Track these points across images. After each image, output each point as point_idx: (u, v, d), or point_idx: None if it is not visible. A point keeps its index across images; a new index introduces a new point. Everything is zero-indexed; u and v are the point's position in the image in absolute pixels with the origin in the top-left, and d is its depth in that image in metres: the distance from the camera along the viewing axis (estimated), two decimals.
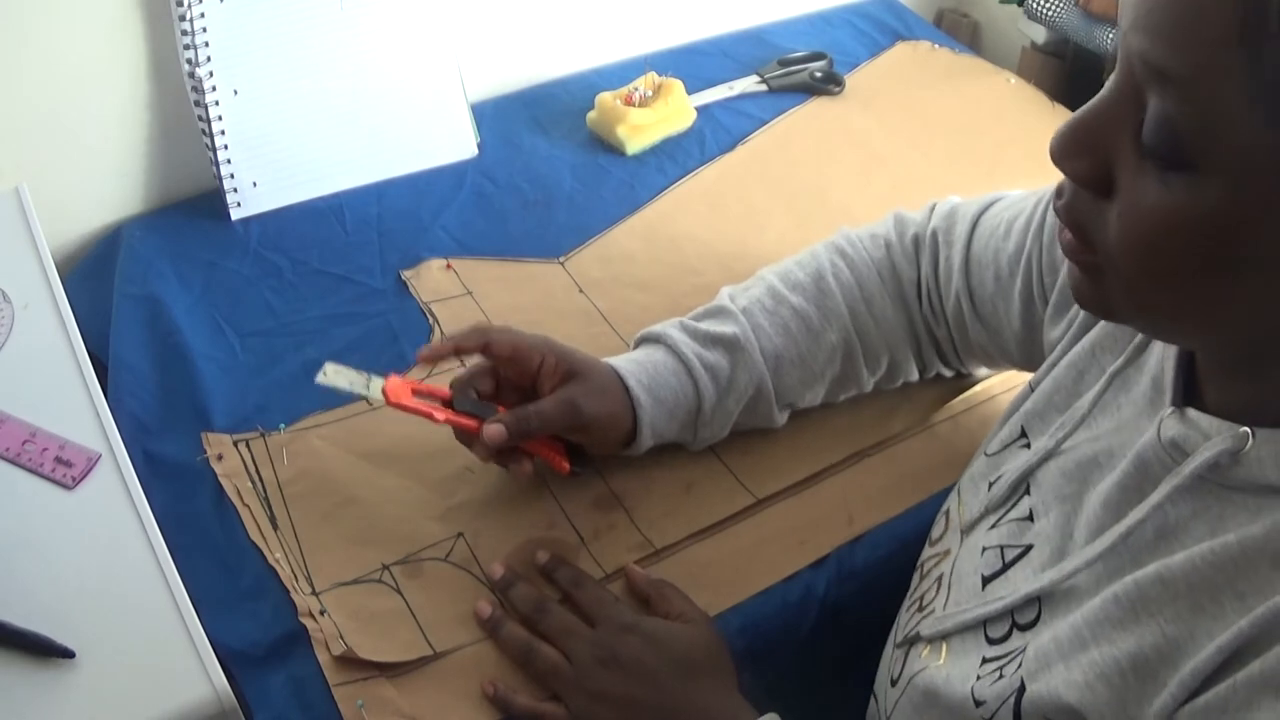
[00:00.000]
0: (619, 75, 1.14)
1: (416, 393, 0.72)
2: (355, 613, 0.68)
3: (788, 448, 0.80)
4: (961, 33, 1.37)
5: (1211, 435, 0.47)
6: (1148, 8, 0.40)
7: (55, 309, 0.75)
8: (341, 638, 0.66)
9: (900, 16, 1.31)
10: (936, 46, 1.26)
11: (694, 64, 1.18)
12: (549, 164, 1.06)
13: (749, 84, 1.17)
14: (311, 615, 0.68)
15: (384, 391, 0.70)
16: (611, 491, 0.77)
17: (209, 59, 0.91)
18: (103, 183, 0.96)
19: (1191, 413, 0.48)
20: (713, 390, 0.74)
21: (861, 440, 0.81)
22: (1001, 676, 0.52)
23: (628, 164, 1.06)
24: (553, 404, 0.70)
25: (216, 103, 0.92)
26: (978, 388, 0.85)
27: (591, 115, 1.09)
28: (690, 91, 1.11)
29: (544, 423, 0.70)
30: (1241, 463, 0.45)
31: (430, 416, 0.70)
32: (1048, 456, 0.58)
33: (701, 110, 1.12)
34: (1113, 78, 0.43)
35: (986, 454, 0.65)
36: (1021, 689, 0.50)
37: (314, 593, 0.69)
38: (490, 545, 0.73)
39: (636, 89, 1.08)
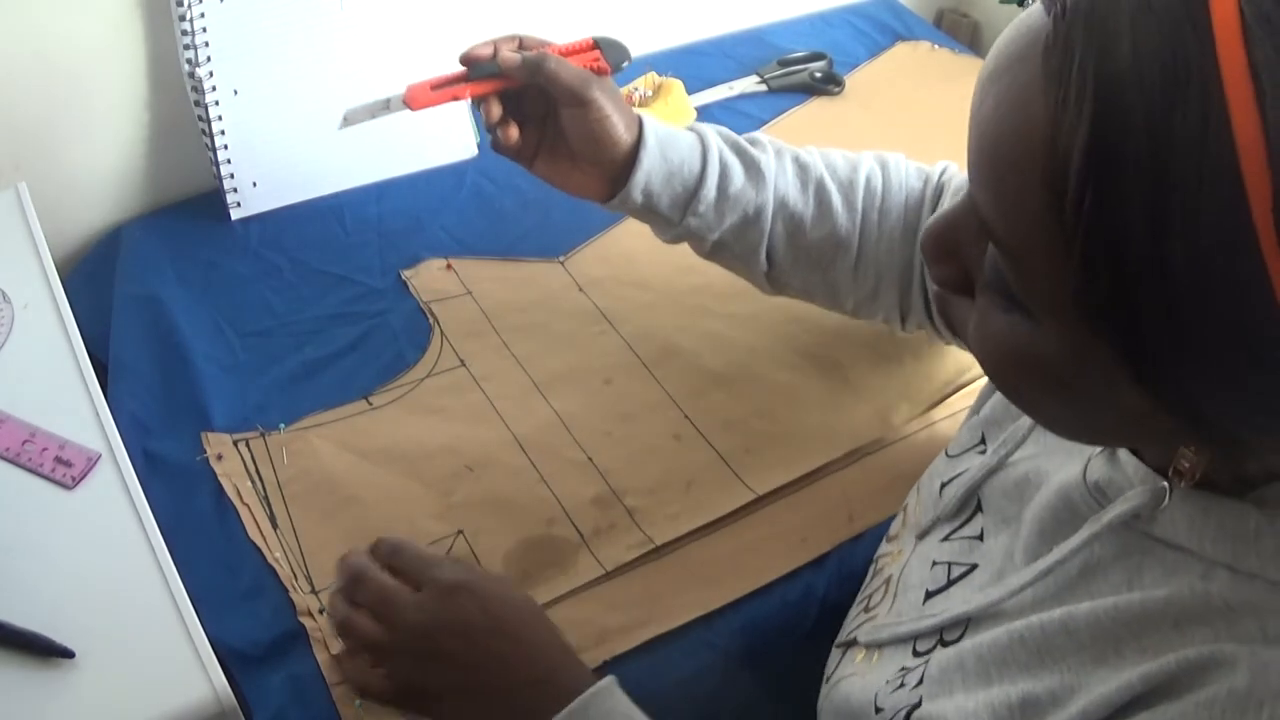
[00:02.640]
0: (619, 75, 1.14)
1: (434, 88, 0.77)
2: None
3: (788, 446, 0.80)
4: (961, 33, 1.37)
5: (1135, 484, 0.46)
6: (975, 147, 0.39)
7: (55, 309, 0.75)
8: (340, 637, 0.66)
9: (900, 17, 1.31)
10: (936, 46, 1.26)
11: (694, 64, 1.18)
12: None
13: (749, 84, 1.17)
14: (311, 614, 0.68)
15: (405, 101, 0.76)
16: (611, 489, 0.77)
17: (209, 59, 0.91)
18: (103, 183, 0.96)
19: (1121, 455, 0.47)
20: (716, 181, 0.75)
21: (861, 439, 0.81)
22: (903, 686, 0.52)
23: None
24: (571, 68, 0.75)
25: (216, 103, 0.92)
26: (977, 385, 0.85)
27: None
28: (690, 91, 1.11)
29: (557, 69, 0.75)
30: (1158, 519, 0.44)
31: (456, 97, 0.76)
32: (991, 472, 0.58)
33: (701, 110, 1.12)
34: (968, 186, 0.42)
35: (948, 455, 0.65)
36: (917, 704, 0.50)
37: (313, 591, 0.69)
38: (490, 543, 0.73)
39: (636, 89, 1.08)
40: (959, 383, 0.85)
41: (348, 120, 0.74)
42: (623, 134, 0.74)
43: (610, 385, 0.84)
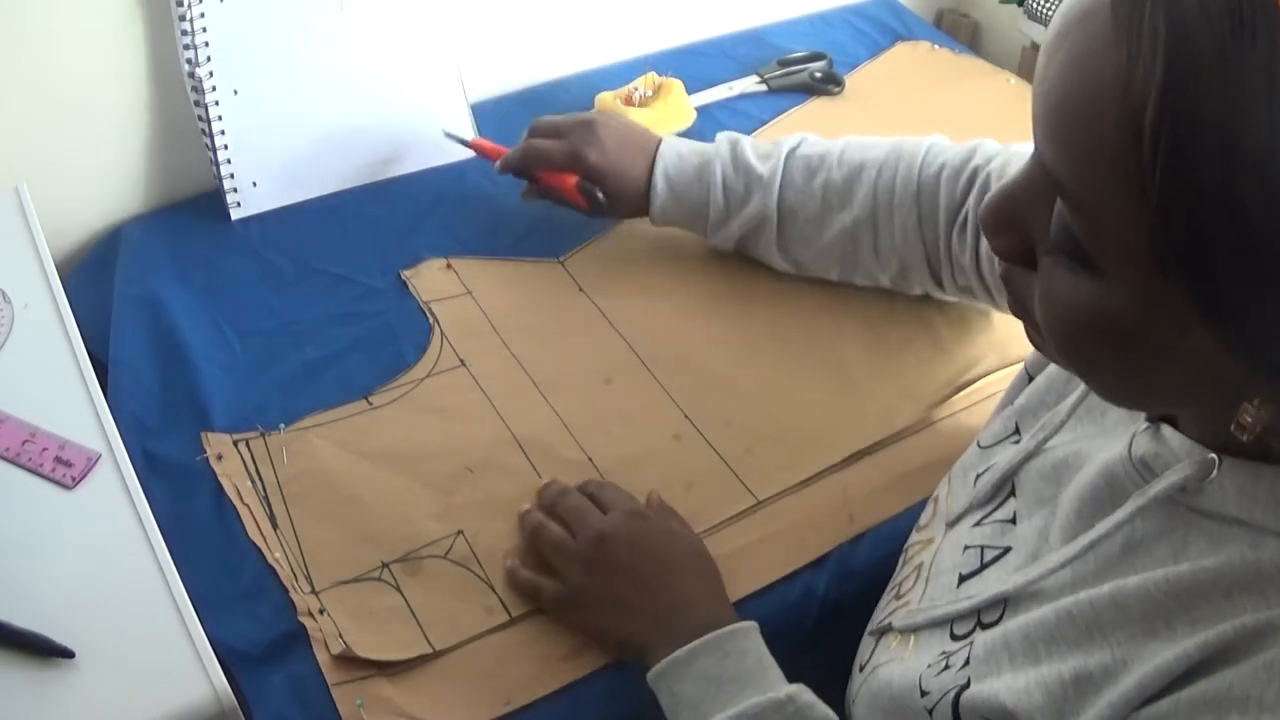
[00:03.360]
0: (619, 75, 1.14)
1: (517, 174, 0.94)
2: (355, 611, 0.68)
3: (789, 447, 0.80)
4: (961, 33, 1.37)
5: (1181, 457, 0.46)
6: (1043, 107, 0.40)
7: (55, 309, 0.75)
8: (341, 636, 0.66)
9: (900, 17, 1.31)
10: (936, 47, 1.26)
11: (694, 64, 1.18)
12: None
13: (749, 84, 1.17)
14: (311, 614, 0.68)
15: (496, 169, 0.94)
16: None
17: (209, 59, 0.91)
18: (103, 183, 0.96)
19: (1165, 431, 0.48)
20: (722, 208, 0.87)
21: (861, 439, 0.81)
22: (948, 668, 0.52)
23: None
24: (560, 146, 0.89)
25: (216, 103, 0.92)
26: (979, 384, 0.85)
27: None
28: (690, 91, 1.11)
29: (545, 156, 0.90)
30: (1205, 490, 0.45)
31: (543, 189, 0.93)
32: (1029, 457, 0.58)
33: (701, 110, 1.12)
34: (1031, 154, 0.43)
35: (980, 445, 0.65)
36: (965, 685, 0.50)
37: (313, 591, 0.69)
38: (490, 543, 0.73)
39: (636, 89, 1.08)
40: (960, 382, 0.85)
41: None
42: (635, 180, 0.89)
43: (610, 385, 0.84)
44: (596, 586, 0.67)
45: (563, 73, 1.17)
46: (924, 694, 0.52)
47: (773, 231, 0.86)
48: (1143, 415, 0.50)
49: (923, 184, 0.81)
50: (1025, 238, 0.44)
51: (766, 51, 1.21)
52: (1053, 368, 0.62)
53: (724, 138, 0.89)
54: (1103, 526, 0.48)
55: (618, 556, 0.67)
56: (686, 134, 1.09)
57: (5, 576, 0.61)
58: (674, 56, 1.20)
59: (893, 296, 0.89)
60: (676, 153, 0.88)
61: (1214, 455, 0.44)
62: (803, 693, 0.61)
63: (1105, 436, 0.54)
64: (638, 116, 1.06)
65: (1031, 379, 0.64)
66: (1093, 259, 0.40)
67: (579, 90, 1.13)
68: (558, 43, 1.15)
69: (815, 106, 1.16)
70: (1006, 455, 0.60)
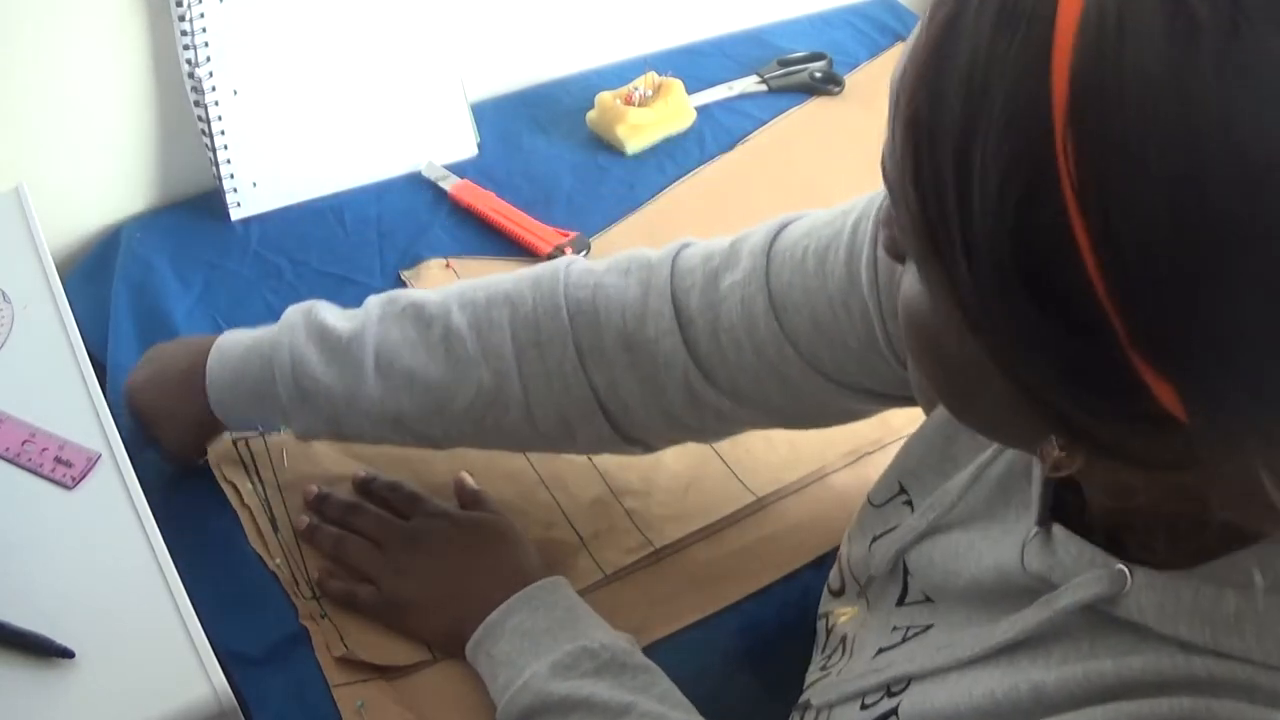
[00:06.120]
0: (619, 75, 1.14)
1: None
2: (355, 614, 0.68)
3: (788, 447, 0.80)
4: None
5: (1082, 569, 0.42)
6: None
7: (55, 309, 0.75)
8: (342, 640, 0.66)
9: (900, 17, 1.31)
10: None
11: (694, 64, 1.18)
12: (549, 164, 1.05)
13: (749, 84, 1.17)
14: (312, 618, 0.68)
15: None
16: (611, 491, 0.77)
17: (209, 59, 0.91)
18: (103, 183, 0.96)
19: (1059, 536, 0.43)
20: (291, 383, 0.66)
21: (861, 440, 0.81)
22: None
23: (627, 164, 1.06)
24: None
25: (216, 103, 0.92)
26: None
27: (591, 115, 1.09)
28: (690, 91, 1.11)
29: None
30: (1120, 603, 0.40)
31: None
32: (921, 536, 0.54)
33: (701, 110, 1.12)
34: None
35: (873, 504, 0.60)
36: None
37: (314, 597, 0.69)
38: None
39: (636, 89, 1.08)
40: None
41: None
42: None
43: None
44: (411, 589, 0.68)
45: (563, 73, 1.17)
46: None
47: (370, 399, 0.65)
48: (1033, 510, 0.45)
49: (627, 314, 0.63)
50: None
51: (766, 51, 1.21)
52: (928, 428, 0.57)
53: (292, 308, 0.69)
54: (1008, 628, 0.44)
55: (428, 557, 0.68)
56: (686, 134, 1.10)
57: (5, 576, 0.61)
58: (674, 56, 1.19)
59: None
60: (231, 337, 0.70)
61: (1122, 567, 0.40)
62: (619, 641, 0.62)
63: (999, 526, 0.49)
64: (637, 116, 1.06)
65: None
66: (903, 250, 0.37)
67: (579, 90, 1.13)
68: (558, 43, 1.15)
69: (815, 106, 1.16)
70: (901, 529, 0.56)
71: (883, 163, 0.36)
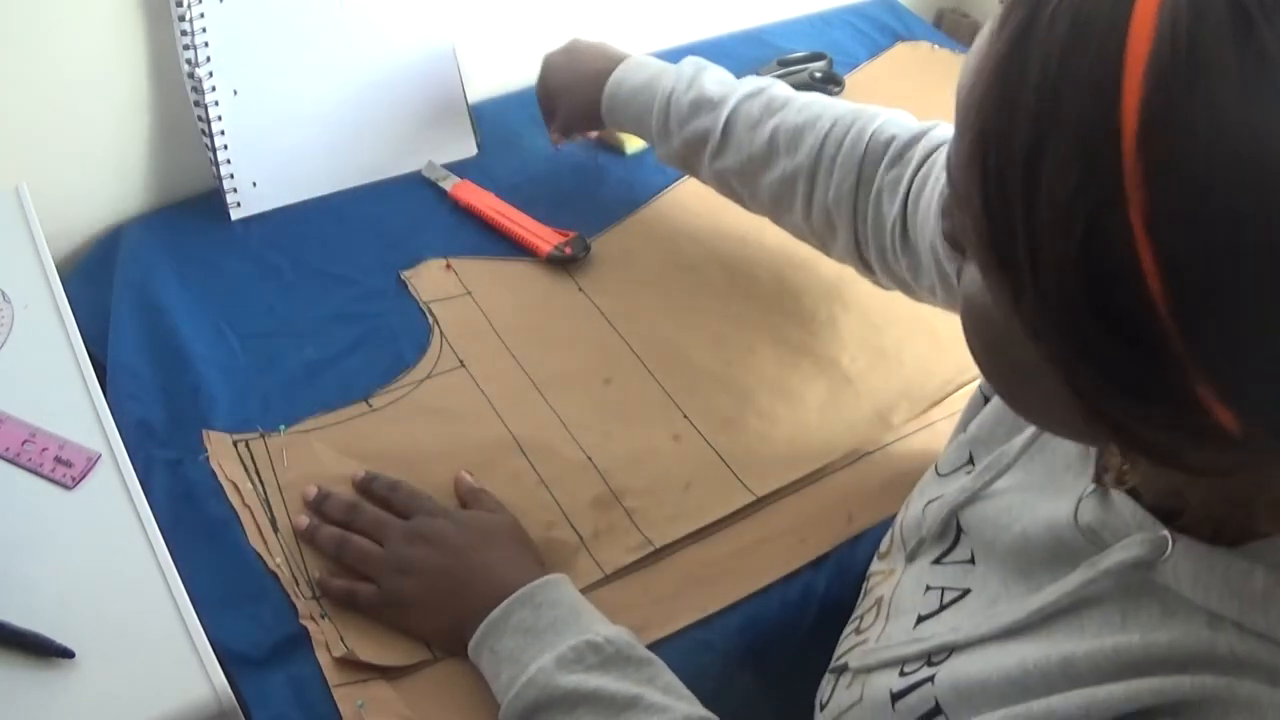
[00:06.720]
0: None
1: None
2: (355, 614, 0.68)
3: (788, 446, 0.80)
4: (961, 33, 1.36)
5: (1131, 529, 0.44)
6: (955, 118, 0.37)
7: (55, 309, 0.75)
8: (342, 640, 0.66)
9: (900, 17, 1.31)
10: (936, 47, 1.26)
11: None
12: (549, 164, 1.06)
13: None
14: (312, 618, 0.68)
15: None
16: (611, 491, 0.77)
17: (209, 59, 0.91)
18: (103, 183, 0.96)
19: (1115, 498, 0.46)
20: (663, 120, 0.87)
21: (861, 439, 0.81)
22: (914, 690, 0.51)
23: (627, 164, 1.06)
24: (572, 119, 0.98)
25: (216, 103, 0.92)
26: (978, 384, 0.85)
27: None
28: None
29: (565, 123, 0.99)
30: (1159, 568, 0.42)
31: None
32: (973, 496, 0.56)
33: None
34: None
35: (938, 473, 0.63)
36: (934, 709, 0.50)
37: (314, 596, 0.69)
38: None
39: None
40: (959, 382, 0.85)
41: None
42: (580, 95, 0.94)
43: (610, 385, 0.84)
44: (411, 588, 0.68)
45: None
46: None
47: (711, 151, 0.85)
48: (1090, 472, 0.48)
49: (869, 150, 0.77)
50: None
51: (766, 51, 1.21)
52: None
53: (691, 59, 0.88)
54: (1053, 592, 0.47)
55: (428, 557, 0.69)
56: None
57: (5, 576, 0.61)
58: (674, 56, 1.19)
59: (892, 296, 0.89)
60: (639, 62, 0.90)
61: (1166, 533, 0.42)
62: (622, 634, 0.63)
63: (1054, 487, 0.51)
64: None
65: (987, 400, 0.63)
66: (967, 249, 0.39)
67: None
68: (558, 43, 1.15)
69: None
70: (955, 489, 0.58)
71: (948, 166, 0.37)
